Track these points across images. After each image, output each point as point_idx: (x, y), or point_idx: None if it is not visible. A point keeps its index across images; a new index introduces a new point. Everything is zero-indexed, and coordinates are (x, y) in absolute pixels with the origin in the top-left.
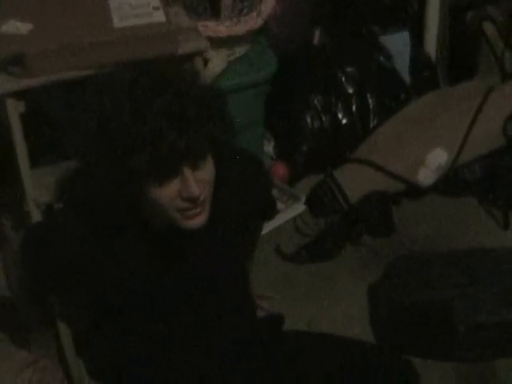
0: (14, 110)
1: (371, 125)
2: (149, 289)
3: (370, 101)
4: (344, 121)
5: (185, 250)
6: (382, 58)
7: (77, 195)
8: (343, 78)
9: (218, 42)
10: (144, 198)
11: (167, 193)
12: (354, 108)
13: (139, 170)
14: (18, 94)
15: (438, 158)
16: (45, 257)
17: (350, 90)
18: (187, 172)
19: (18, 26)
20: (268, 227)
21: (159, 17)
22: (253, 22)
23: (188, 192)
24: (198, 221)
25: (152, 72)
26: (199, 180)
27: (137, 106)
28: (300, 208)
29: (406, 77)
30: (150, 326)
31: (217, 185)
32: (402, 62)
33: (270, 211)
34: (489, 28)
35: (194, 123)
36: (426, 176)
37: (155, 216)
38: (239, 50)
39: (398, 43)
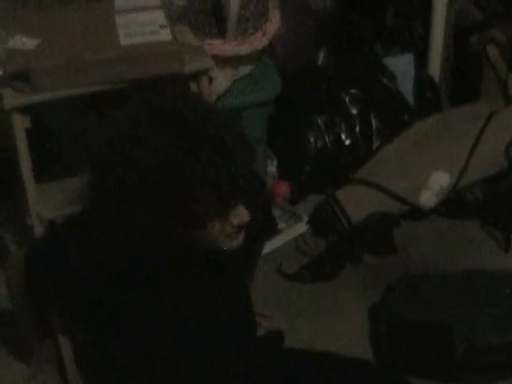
0: (20, 125)
1: (374, 146)
2: (150, 310)
3: (373, 122)
4: (347, 141)
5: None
6: (385, 80)
7: (86, 216)
8: (347, 99)
9: (223, 61)
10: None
11: (225, 224)
12: (357, 129)
13: (204, 212)
14: (24, 109)
15: (440, 180)
16: (47, 271)
17: (354, 111)
18: (239, 205)
19: (25, 42)
20: (270, 246)
21: (166, 35)
22: (258, 41)
23: (241, 219)
24: (239, 240)
25: (188, 112)
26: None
27: (187, 148)
28: (302, 228)
29: (410, 98)
30: (147, 345)
31: None
32: (405, 84)
33: (270, 230)
34: (492, 51)
35: (235, 153)
36: (427, 198)
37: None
38: (244, 70)
39: (401, 65)
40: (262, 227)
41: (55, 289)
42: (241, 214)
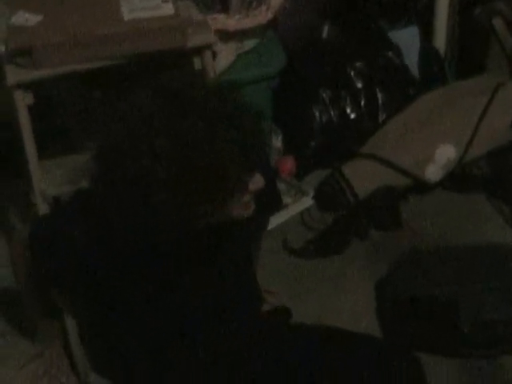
0: (22, 101)
1: (379, 120)
2: (155, 288)
3: (378, 96)
4: (352, 115)
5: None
6: (390, 53)
7: (92, 194)
8: (352, 73)
9: (226, 36)
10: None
11: (242, 195)
12: (362, 103)
13: (229, 186)
14: (26, 86)
15: (445, 154)
16: (51, 249)
17: (359, 85)
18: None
19: (27, 18)
20: (275, 221)
21: (168, 10)
22: (262, 16)
23: (258, 185)
24: (252, 208)
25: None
26: None
27: (210, 134)
28: (307, 202)
29: (415, 72)
30: (151, 323)
31: None
32: (410, 57)
33: (275, 204)
34: (498, 23)
35: (248, 126)
36: (433, 172)
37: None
38: (248, 44)
39: (406, 38)
40: (267, 201)
41: (58, 267)
42: (258, 180)
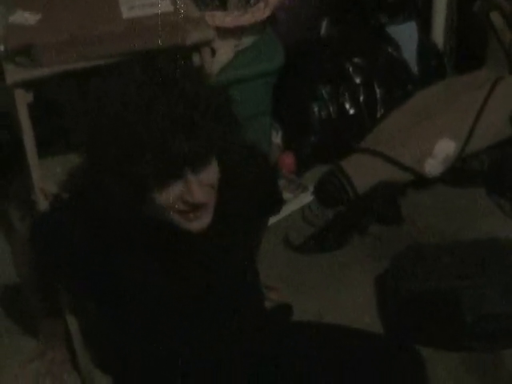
0: (22, 100)
1: (378, 115)
2: (154, 283)
3: (377, 91)
4: (351, 111)
5: (191, 247)
6: (389, 48)
7: (83, 188)
8: (350, 69)
9: (225, 33)
10: (147, 199)
11: (169, 196)
12: (361, 98)
13: (142, 172)
14: (26, 85)
15: (445, 149)
16: (52, 245)
17: (358, 81)
18: (191, 176)
19: (27, 17)
20: (276, 217)
21: (167, 7)
22: (260, 12)
23: (192, 198)
24: (199, 224)
25: (161, 71)
26: (203, 184)
27: (143, 107)
28: (308, 198)
29: (414, 67)
30: (154, 318)
31: (224, 186)
32: (409, 52)
33: (277, 205)
34: (496, 18)
35: (200, 127)
36: (433, 166)
37: (158, 216)
38: (247, 41)
39: (405, 33)
40: (267, 203)
41: (57, 263)
42: (193, 193)
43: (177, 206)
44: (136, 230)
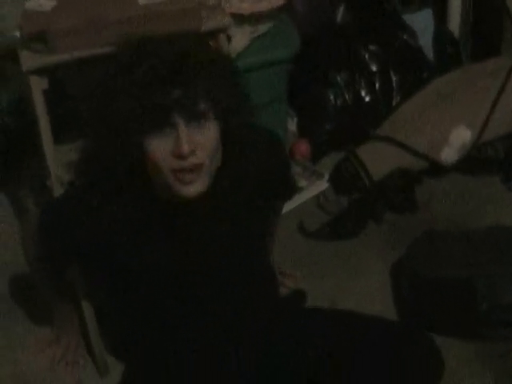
0: (38, 86)
1: (394, 102)
2: (159, 262)
3: (393, 78)
4: (367, 98)
5: (192, 221)
6: (405, 36)
7: (93, 174)
8: (366, 56)
9: (241, 19)
10: (143, 154)
11: (161, 147)
12: (377, 85)
13: (132, 115)
14: (41, 71)
15: (461, 136)
16: (62, 229)
17: (373, 68)
18: (181, 127)
19: (42, 3)
20: (291, 204)
21: None
22: None
23: (178, 147)
24: (193, 188)
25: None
26: (195, 141)
27: (137, 61)
28: (323, 185)
29: (430, 54)
30: (160, 301)
31: (227, 159)
32: (425, 40)
33: (289, 192)
34: None
35: (189, 76)
36: (448, 154)
37: (156, 180)
38: (262, 28)
39: (421, 20)
40: (279, 189)
41: (67, 248)
42: (180, 141)
43: (169, 162)
44: (140, 207)
